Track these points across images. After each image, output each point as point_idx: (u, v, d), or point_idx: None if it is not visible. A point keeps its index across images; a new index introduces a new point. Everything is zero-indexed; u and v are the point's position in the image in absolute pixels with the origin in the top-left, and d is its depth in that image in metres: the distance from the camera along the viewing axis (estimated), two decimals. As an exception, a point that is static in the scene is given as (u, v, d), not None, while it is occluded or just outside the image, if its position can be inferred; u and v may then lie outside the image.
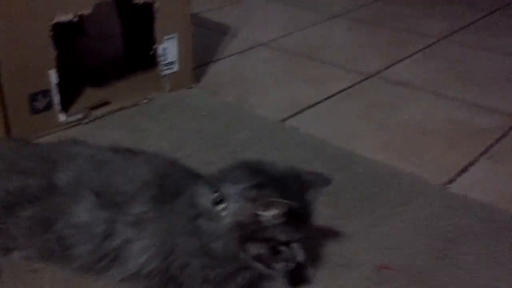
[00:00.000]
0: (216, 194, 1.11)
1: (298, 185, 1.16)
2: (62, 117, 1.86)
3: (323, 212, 1.46)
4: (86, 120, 1.92)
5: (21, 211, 1.18)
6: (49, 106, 1.82)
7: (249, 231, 1.08)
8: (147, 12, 1.99)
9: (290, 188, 1.13)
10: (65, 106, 1.88)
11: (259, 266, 1.11)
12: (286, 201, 1.06)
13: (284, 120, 2.02)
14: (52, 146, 1.40)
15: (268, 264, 1.12)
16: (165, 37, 2.06)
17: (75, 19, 1.77)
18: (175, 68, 2.14)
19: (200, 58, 2.40)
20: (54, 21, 1.72)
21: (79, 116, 1.91)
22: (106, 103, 2.00)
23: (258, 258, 1.10)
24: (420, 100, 2.20)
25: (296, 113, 2.07)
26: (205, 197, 1.13)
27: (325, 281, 1.26)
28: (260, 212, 1.07)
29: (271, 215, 1.06)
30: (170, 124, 1.92)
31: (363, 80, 2.37)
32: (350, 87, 2.30)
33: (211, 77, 2.35)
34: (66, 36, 1.88)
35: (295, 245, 1.12)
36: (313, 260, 1.30)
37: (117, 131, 1.87)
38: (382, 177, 1.66)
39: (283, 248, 1.10)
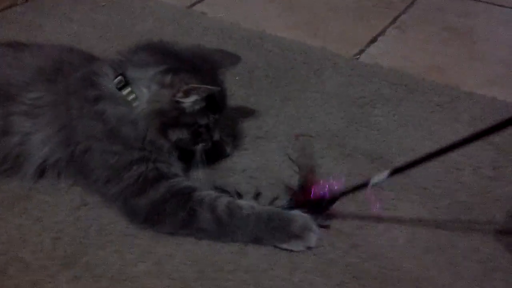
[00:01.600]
0: (119, 77, 1.05)
1: (209, 65, 1.11)
2: None
3: (237, 92, 1.44)
4: (-27, 22, 1.74)
5: None
6: None
7: (171, 117, 1.05)
8: None
9: (202, 70, 1.08)
10: None
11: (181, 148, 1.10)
12: (206, 86, 1.03)
13: (190, 6, 1.93)
14: None
15: (188, 146, 1.11)
16: None
17: None
18: (66, -43, 1.95)
19: None
20: None
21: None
22: (-8, 1, 1.82)
23: (178, 142, 1.09)
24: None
25: (203, -2, 1.98)
26: (107, 79, 1.07)
27: (246, 153, 1.25)
28: (181, 99, 1.03)
29: (191, 101, 1.03)
30: (66, 18, 1.78)
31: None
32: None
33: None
34: None
35: (211, 125, 1.11)
36: (233, 135, 1.29)
37: (10, 30, 1.70)
38: (293, 53, 1.63)
39: (202, 129, 1.09)
